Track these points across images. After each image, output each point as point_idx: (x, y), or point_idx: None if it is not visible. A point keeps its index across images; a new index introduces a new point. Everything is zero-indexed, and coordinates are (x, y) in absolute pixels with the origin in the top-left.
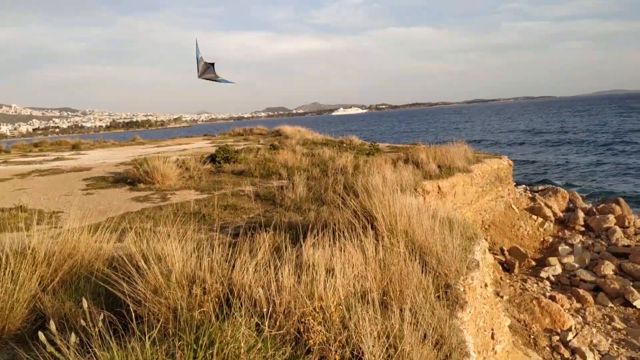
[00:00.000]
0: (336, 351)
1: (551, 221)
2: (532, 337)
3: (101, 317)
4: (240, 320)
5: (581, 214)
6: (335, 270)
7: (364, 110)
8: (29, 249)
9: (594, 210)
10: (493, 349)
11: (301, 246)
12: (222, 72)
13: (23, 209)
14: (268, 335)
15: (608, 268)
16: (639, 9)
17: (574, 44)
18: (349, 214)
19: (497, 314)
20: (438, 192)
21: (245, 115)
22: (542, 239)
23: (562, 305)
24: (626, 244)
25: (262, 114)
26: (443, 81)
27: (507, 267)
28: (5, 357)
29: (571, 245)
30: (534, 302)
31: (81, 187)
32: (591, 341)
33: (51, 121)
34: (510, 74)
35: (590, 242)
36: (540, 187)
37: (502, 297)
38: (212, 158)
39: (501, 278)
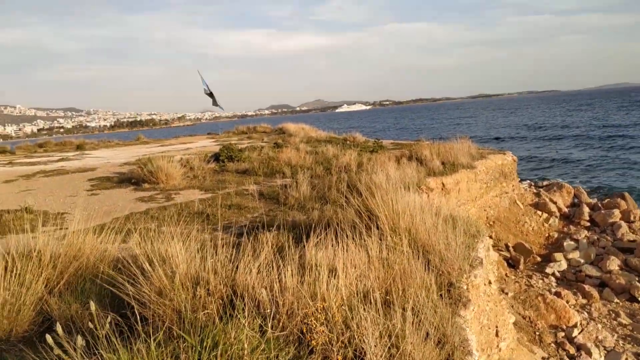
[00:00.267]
0: (338, 351)
1: (556, 217)
2: (537, 333)
3: (108, 319)
4: (243, 321)
5: (586, 209)
6: (338, 270)
7: (368, 107)
8: (34, 251)
9: (599, 205)
10: (497, 346)
11: (304, 246)
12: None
13: (28, 210)
14: (271, 336)
15: (614, 263)
16: None
17: (578, 37)
18: (352, 213)
19: (502, 311)
20: (442, 189)
21: (249, 113)
22: (547, 235)
23: (567, 301)
24: (632, 238)
25: (266, 112)
26: (446, 76)
27: (512, 264)
28: (14, 359)
29: (576, 241)
30: (539, 298)
31: (86, 187)
32: (597, 337)
33: (55, 121)
34: (513, 69)
35: (595, 238)
36: (545, 183)
37: (507, 293)
38: (216, 157)
39: (506, 274)
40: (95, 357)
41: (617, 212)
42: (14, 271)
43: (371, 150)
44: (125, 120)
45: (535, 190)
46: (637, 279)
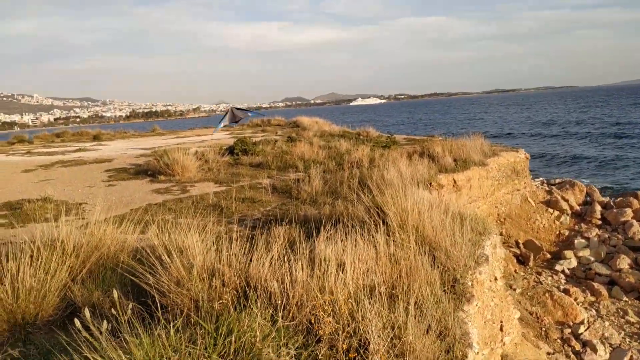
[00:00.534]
0: (344, 341)
1: (568, 214)
2: (543, 329)
3: (130, 306)
4: (256, 311)
5: (598, 207)
6: (346, 265)
7: (383, 101)
8: (58, 241)
9: (612, 203)
10: (502, 340)
11: (315, 241)
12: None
13: (49, 200)
14: (282, 325)
15: (624, 262)
16: None
17: (597, 32)
18: (362, 209)
19: (507, 306)
20: (453, 186)
21: (264, 106)
22: (558, 232)
23: (575, 299)
24: None
25: (280, 104)
26: (462, 71)
27: (522, 260)
28: (39, 342)
29: (587, 239)
30: (547, 295)
31: (103, 178)
32: (603, 334)
33: (72, 111)
34: (530, 64)
35: (606, 236)
36: (558, 180)
37: (514, 289)
38: (231, 150)
39: (515, 271)
40: (119, 340)
41: (629, 210)
42: (40, 260)
43: (384, 145)
44: (140, 110)
45: (547, 188)
46: None
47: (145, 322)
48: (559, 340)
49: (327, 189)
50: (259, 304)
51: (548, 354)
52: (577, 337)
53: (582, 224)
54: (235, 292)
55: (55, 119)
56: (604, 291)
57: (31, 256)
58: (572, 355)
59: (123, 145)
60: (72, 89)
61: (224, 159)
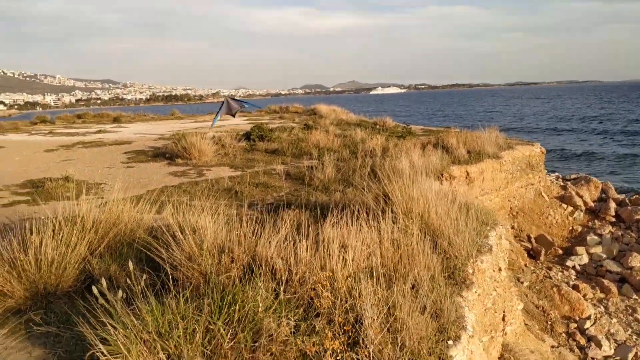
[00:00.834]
0: (340, 315)
1: (581, 210)
2: (549, 323)
3: (143, 277)
4: (260, 284)
5: (613, 205)
6: (349, 247)
7: (403, 90)
8: (78, 217)
9: (627, 201)
10: (503, 329)
11: (321, 225)
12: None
13: (70, 179)
14: (283, 298)
15: (636, 260)
16: None
17: (625, 26)
18: (370, 196)
19: (510, 297)
20: (466, 178)
21: (283, 92)
22: (570, 228)
23: (584, 295)
24: None
25: (300, 91)
26: (484, 62)
27: (533, 255)
28: (58, 310)
29: (600, 236)
30: (554, 289)
31: (122, 160)
32: (609, 330)
33: (93, 92)
34: (554, 57)
35: (620, 233)
36: (573, 176)
37: (522, 282)
38: (247, 136)
39: (525, 265)
40: (132, 308)
41: None
42: (61, 234)
43: (399, 135)
44: (160, 94)
45: (562, 183)
46: None
47: (158, 293)
48: (564, 335)
49: (339, 176)
50: (263, 279)
51: (552, 347)
52: (582, 332)
53: (596, 221)
54: (242, 268)
55: (77, 100)
56: (614, 288)
57: (53, 230)
58: (577, 350)
59: (142, 128)
60: (94, 70)
61: (240, 145)
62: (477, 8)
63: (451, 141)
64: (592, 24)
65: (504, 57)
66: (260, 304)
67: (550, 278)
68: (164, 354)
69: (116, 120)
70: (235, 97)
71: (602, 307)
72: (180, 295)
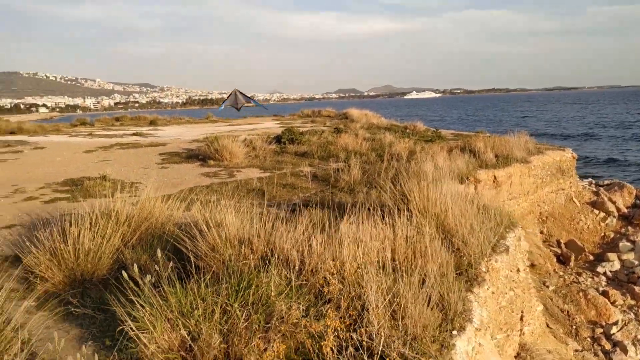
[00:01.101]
0: (345, 300)
1: (614, 216)
2: (574, 327)
3: (170, 264)
4: (274, 272)
5: None
6: (362, 242)
7: (438, 95)
8: (113, 211)
9: None
10: (520, 329)
11: (339, 222)
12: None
13: (107, 178)
14: (295, 285)
15: None
16: None
17: None
18: (389, 197)
19: (529, 298)
20: (494, 182)
21: (317, 96)
22: (602, 234)
23: (614, 301)
24: None
25: (334, 95)
26: (522, 67)
27: (562, 260)
28: (94, 295)
29: (633, 242)
30: (580, 294)
31: (157, 161)
32: (636, 336)
33: (131, 96)
34: (595, 61)
35: None
36: (606, 182)
37: (547, 286)
38: (278, 139)
39: (554, 270)
40: (159, 290)
41: None
42: (97, 227)
43: (428, 139)
44: (196, 98)
45: (594, 189)
46: None
47: (182, 279)
48: (588, 339)
49: (365, 178)
50: (278, 267)
51: (576, 350)
52: (608, 337)
53: (629, 227)
54: (260, 257)
55: (115, 104)
56: None
57: (90, 223)
58: (601, 354)
59: (177, 131)
60: (132, 74)
61: (270, 147)
62: (514, 12)
63: (478, 145)
64: (633, 27)
65: (542, 62)
66: (273, 289)
67: (579, 283)
68: (185, 330)
69: (152, 123)
70: (245, 94)
71: (632, 314)
72: (202, 280)
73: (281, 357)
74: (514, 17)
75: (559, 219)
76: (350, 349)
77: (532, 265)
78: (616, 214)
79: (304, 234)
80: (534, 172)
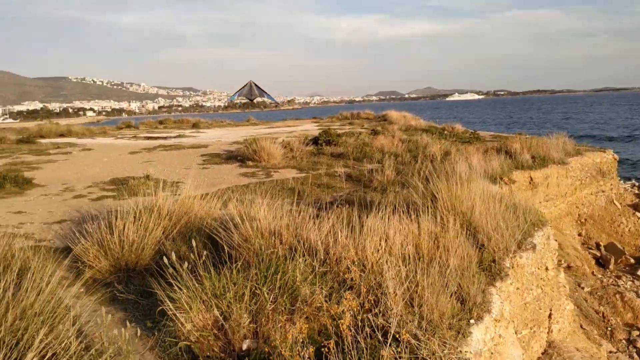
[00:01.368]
0: (366, 287)
1: None
2: (609, 329)
3: (205, 253)
4: (300, 260)
5: None
6: (386, 235)
7: (481, 97)
8: (156, 207)
9: None
10: (548, 327)
11: (367, 218)
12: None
13: (150, 178)
14: (318, 272)
15: None
16: None
17: None
18: (418, 195)
19: (558, 296)
20: (530, 183)
21: (357, 99)
22: None
23: None
24: None
25: (374, 98)
26: (568, 68)
27: (602, 263)
28: (137, 283)
29: None
30: (617, 296)
31: (198, 162)
32: None
33: (175, 100)
34: None
35: None
36: None
37: (582, 288)
38: (315, 140)
39: (592, 272)
40: (195, 275)
41: None
42: (141, 220)
43: (465, 141)
44: (238, 101)
45: (637, 191)
46: None
47: (217, 266)
48: (624, 341)
49: (398, 179)
50: (304, 257)
51: (610, 352)
52: None
53: None
54: (288, 248)
55: (160, 107)
56: None
57: (134, 217)
58: (636, 356)
59: (218, 133)
60: (175, 78)
61: (307, 149)
62: (559, 12)
63: (515, 146)
64: None
65: (589, 62)
66: (299, 275)
67: (618, 286)
68: (217, 311)
69: (195, 125)
70: (261, 87)
71: None
72: (234, 267)
73: (304, 336)
74: (560, 17)
75: (598, 221)
76: (367, 329)
77: (568, 267)
78: None
79: (330, 228)
80: (572, 173)
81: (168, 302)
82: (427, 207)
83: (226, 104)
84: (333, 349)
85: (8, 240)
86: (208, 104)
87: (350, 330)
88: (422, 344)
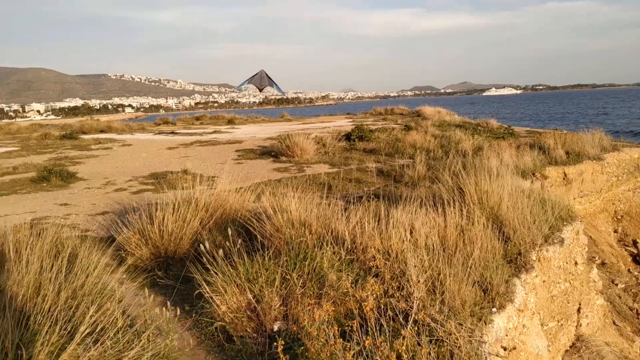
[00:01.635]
0: (390, 274)
1: None
2: None
3: (239, 241)
4: (327, 248)
5: None
6: (412, 227)
7: (518, 91)
8: (193, 199)
9: None
10: (576, 320)
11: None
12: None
13: (187, 172)
14: (345, 259)
15: None
16: None
17: None
18: (446, 190)
19: (588, 291)
20: (564, 179)
21: (392, 94)
22: None
23: None
24: None
25: (409, 93)
26: (610, 61)
27: (638, 260)
28: (176, 270)
29: None
30: None
31: (233, 157)
32: None
33: (211, 96)
34: None
35: None
36: None
37: (616, 284)
38: (348, 136)
39: (628, 269)
40: (230, 261)
41: None
42: (179, 212)
43: (499, 136)
44: (272, 97)
45: None
46: None
47: (250, 254)
48: None
49: (429, 174)
50: (332, 245)
51: None
52: None
53: None
54: (317, 237)
55: (196, 103)
56: None
57: (173, 209)
58: None
59: (253, 129)
60: (211, 75)
61: (340, 144)
62: (600, 3)
63: (548, 142)
64: None
65: (633, 55)
66: (326, 262)
67: None
68: (250, 294)
69: (230, 122)
70: (271, 77)
71: None
72: (266, 254)
73: (330, 317)
74: (601, 8)
75: (636, 218)
76: (389, 312)
77: (602, 264)
78: None
79: (358, 220)
80: (608, 169)
81: (205, 285)
82: (454, 201)
83: (261, 100)
84: (357, 328)
85: (57, 230)
86: (243, 100)
87: (374, 313)
88: (439, 325)
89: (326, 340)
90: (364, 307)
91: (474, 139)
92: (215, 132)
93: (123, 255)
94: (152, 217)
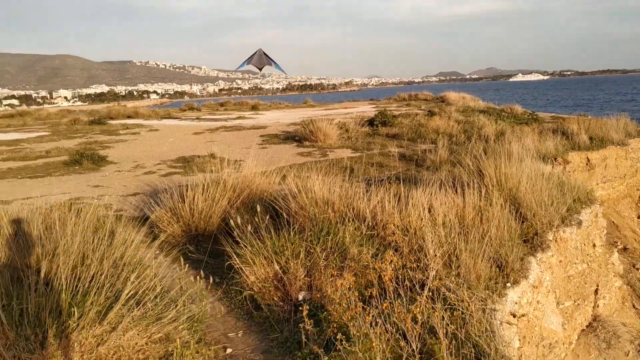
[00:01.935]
0: (407, 246)
1: None
2: None
3: (267, 217)
4: (349, 224)
5: None
6: (433, 205)
7: (546, 77)
8: (221, 180)
9: None
10: (594, 302)
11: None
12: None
13: (214, 156)
14: (365, 234)
15: None
16: None
17: None
18: (466, 172)
19: (606, 272)
20: (587, 164)
21: (416, 80)
22: None
23: None
24: None
25: (434, 79)
26: None
27: None
28: (206, 245)
29: None
30: None
31: (258, 142)
32: None
33: (234, 82)
34: None
35: None
36: None
37: (637, 269)
38: (371, 121)
39: None
40: (258, 235)
41: None
42: (208, 191)
43: (523, 122)
44: (296, 83)
45: None
46: None
47: (277, 229)
48: None
49: (451, 158)
50: (353, 222)
51: None
52: None
53: None
54: (339, 215)
55: (220, 90)
56: None
57: (203, 189)
58: None
59: (277, 115)
60: (235, 61)
61: (363, 129)
62: None
63: (572, 127)
64: None
65: None
66: (348, 237)
67: None
68: (277, 265)
69: (254, 108)
70: (269, 56)
71: None
72: (291, 229)
73: (352, 286)
74: None
75: None
76: (407, 282)
77: (624, 249)
78: None
79: (379, 199)
80: (633, 155)
81: (235, 257)
82: (474, 183)
83: (284, 87)
84: (376, 295)
85: (94, 209)
86: (267, 87)
87: (392, 283)
88: (453, 294)
89: (347, 306)
90: (382, 276)
91: (497, 124)
92: (239, 117)
93: (156, 232)
94: (183, 197)
